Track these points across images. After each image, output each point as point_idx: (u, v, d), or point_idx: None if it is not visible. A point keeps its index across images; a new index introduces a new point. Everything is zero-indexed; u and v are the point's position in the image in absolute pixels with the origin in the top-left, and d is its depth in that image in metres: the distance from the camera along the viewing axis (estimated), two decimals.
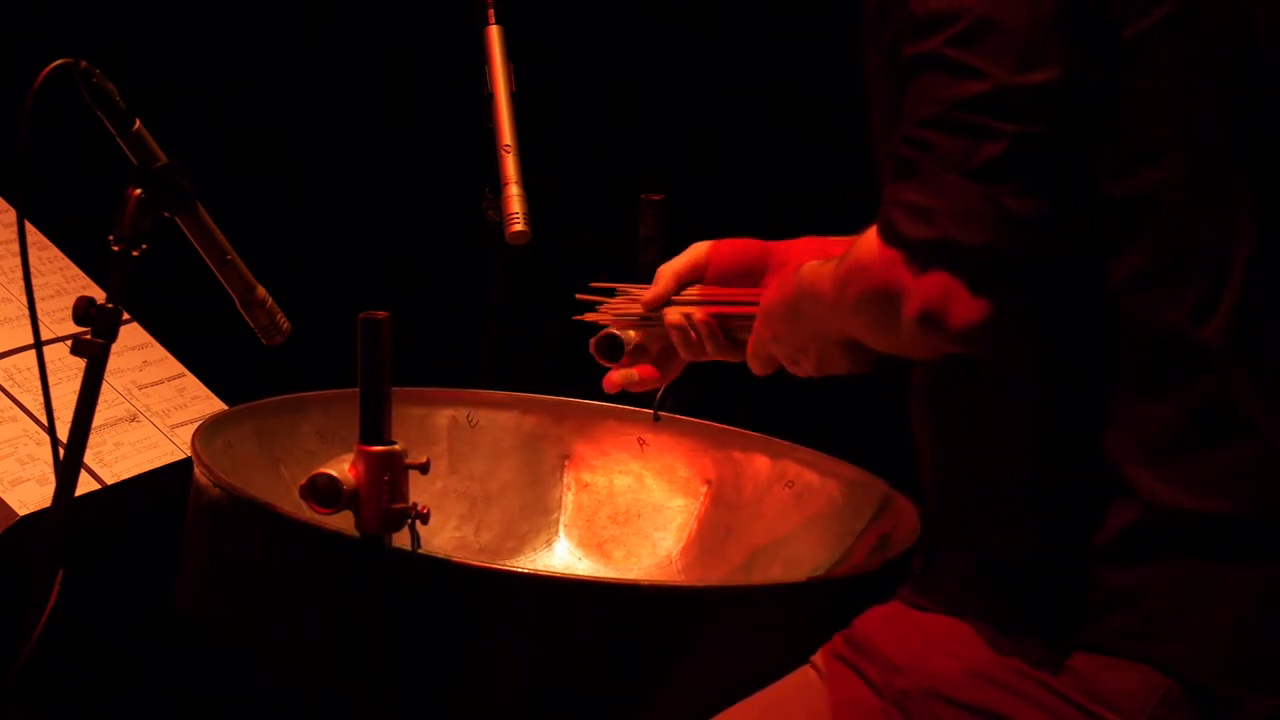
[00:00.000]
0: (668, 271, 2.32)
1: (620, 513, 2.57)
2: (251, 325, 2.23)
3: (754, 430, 2.53)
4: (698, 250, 2.33)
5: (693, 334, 2.27)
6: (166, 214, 2.07)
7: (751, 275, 2.30)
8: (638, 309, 2.34)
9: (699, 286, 2.31)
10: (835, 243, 2.21)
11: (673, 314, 2.29)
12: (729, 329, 2.27)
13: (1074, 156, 1.76)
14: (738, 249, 2.32)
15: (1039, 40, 1.73)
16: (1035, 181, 1.72)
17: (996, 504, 1.89)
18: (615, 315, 2.35)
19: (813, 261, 2.00)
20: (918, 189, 1.74)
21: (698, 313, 2.27)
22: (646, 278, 2.35)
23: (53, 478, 2.05)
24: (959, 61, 1.74)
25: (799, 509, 2.45)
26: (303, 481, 1.93)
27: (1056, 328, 1.82)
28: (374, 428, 1.92)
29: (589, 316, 2.37)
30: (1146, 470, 1.81)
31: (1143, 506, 1.81)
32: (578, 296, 2.37)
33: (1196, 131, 1.82)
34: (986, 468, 1.90)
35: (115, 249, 2.02)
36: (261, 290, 2.21)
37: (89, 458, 2.39)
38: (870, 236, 1.78)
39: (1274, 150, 1.88)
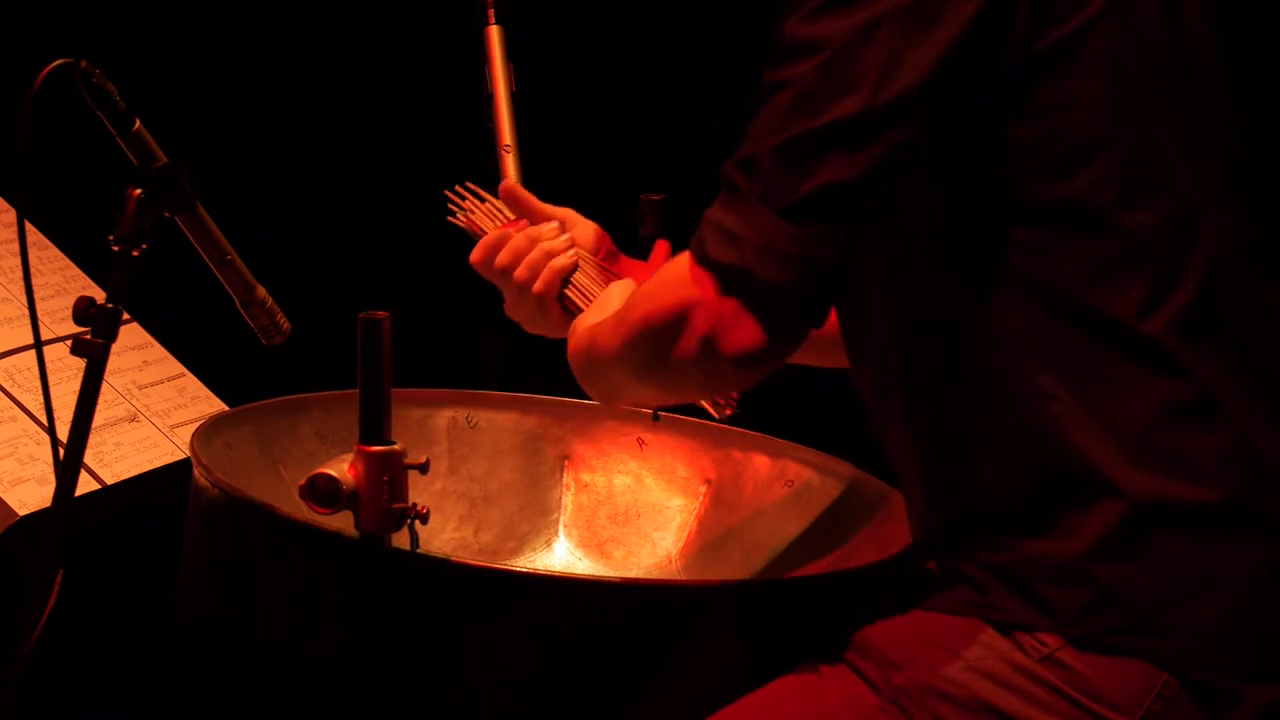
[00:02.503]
0: (549, 209, 2.31)
1: (620, 513, 2.57)
2: (251, 325, 2.23)
3: (754, 430, 2.53)
4: (585, 224, 2.31)
5: (525, 273, 2.23)
6: (166, 214, 2.08)
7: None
8: (500, 221, 2.32)
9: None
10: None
11: (537, 232, 2.25)
12: (566, 296, 2.24)
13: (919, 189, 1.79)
14: (609, 242, 2.32)
15: (894, 70, 1.74)
16: (843, 230, 1.76)
17: (988, 510, 1.88)
18: (478, 221, 2.33)
19: (589, 318, 2.05)
20: (736, 214, 1.78)
21: (563, 259, 2.24)
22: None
23: (53, 478, 2.05)
24: (808, 92, 1.76)
25: (799, 509, 2.45)
26: (302, 482, 1.93)
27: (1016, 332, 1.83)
28: (374, 428, 1.93)
29: (452, 219, 2.36)
30: (1127, 466, 1.81)
31: (1128, 502, 1.81)
32: (445, 193, 2.36)
33: (1134, 124, 1.82)
34: (973, 477, 1.89)
35: (115, 249, 2.02)
36: (261, 290, 2.21)
37: (89, 458, 2.39)
38: (683, 257, 1.83)
39: (1222, 133, 1.88)
